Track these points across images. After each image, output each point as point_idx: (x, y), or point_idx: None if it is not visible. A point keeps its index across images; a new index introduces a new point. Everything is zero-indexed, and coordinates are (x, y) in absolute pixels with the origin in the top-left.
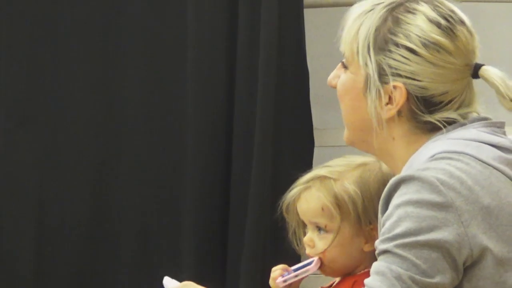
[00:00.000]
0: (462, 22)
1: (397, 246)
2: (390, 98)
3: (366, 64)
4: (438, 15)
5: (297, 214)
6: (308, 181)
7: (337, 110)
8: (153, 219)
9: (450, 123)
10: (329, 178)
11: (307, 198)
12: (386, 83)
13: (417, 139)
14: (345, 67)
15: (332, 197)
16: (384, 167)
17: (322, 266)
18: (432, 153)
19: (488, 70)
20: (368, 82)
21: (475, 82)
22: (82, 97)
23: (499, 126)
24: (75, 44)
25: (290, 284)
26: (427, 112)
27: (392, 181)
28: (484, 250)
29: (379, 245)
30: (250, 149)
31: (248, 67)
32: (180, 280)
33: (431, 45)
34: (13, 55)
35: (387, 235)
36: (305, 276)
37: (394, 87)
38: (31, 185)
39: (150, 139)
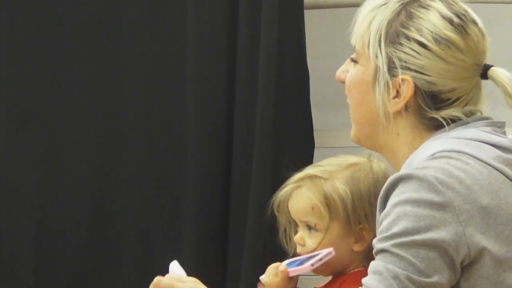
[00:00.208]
0: (474, 22)
1: (395, 245)
2: (398, 92)
3: (376, 56)
4: (451, 12)
5: (288, 212)
6: (299, 180)
7: (338, 111)
8: (153, 219)
9: (455, 121)
10: (320, 177)
11: (297, 197)
12: (395, 76)
13: (420, 136)
14: (354, 61)
15: (322, 196)
16: (376, 167)
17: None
18: (431, 152)
19: (498, 71)
20: (377, 74)
21: (483, 83)
22: (82, 97)
23: (499, 126)
24: (75, 45)
25: (291, 278)
26: (433, 108)
27: (390, 179)
28: (482, 250)
29: (377, 244)
30: (250, 149)
31: (248, 67)
32: None
33: (442, 41)
34: (13, 56)
35: (384, 234)
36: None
37: (403, 80)
38: (32, 186)
39: (150, 139)
